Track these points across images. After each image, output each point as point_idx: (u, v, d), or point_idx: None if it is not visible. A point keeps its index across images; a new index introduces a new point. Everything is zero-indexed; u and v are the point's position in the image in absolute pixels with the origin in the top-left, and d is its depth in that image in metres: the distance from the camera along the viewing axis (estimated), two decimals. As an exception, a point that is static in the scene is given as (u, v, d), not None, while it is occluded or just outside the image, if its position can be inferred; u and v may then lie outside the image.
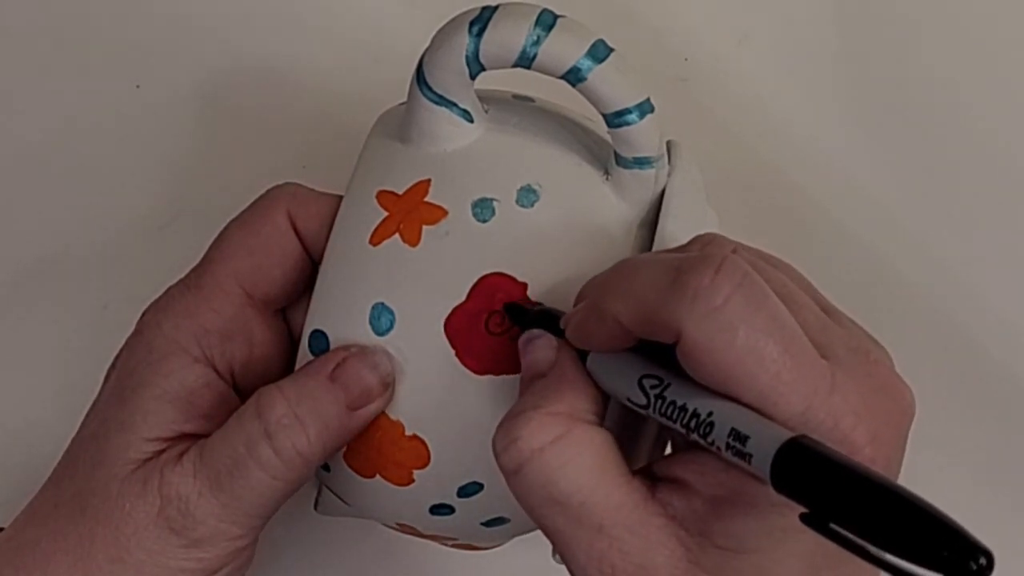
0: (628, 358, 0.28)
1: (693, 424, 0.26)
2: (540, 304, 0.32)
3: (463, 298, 0.32)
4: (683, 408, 0.26)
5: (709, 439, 0.25)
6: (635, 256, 0.29)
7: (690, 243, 0.30)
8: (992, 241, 0.49)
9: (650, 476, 0.29)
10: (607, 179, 0.34)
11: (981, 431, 0.46)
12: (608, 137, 0.34)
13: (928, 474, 0.44)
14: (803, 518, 0.23)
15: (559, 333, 0.30)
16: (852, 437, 0.25)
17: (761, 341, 0.25)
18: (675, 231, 0.33)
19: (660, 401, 0.27)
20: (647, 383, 0.27)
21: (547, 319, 0.31)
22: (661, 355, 0.28)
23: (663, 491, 0.28)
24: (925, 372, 0.28)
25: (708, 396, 0.26)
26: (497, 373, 0.33)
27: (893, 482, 0.22)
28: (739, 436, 0.25)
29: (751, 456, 0.24)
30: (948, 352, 0.47)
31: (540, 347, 0.31)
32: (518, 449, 0.27)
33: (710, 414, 0.25)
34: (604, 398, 0.30)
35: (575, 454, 0.27)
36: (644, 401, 0.27)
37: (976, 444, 0.46)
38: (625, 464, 0.28)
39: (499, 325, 0.32)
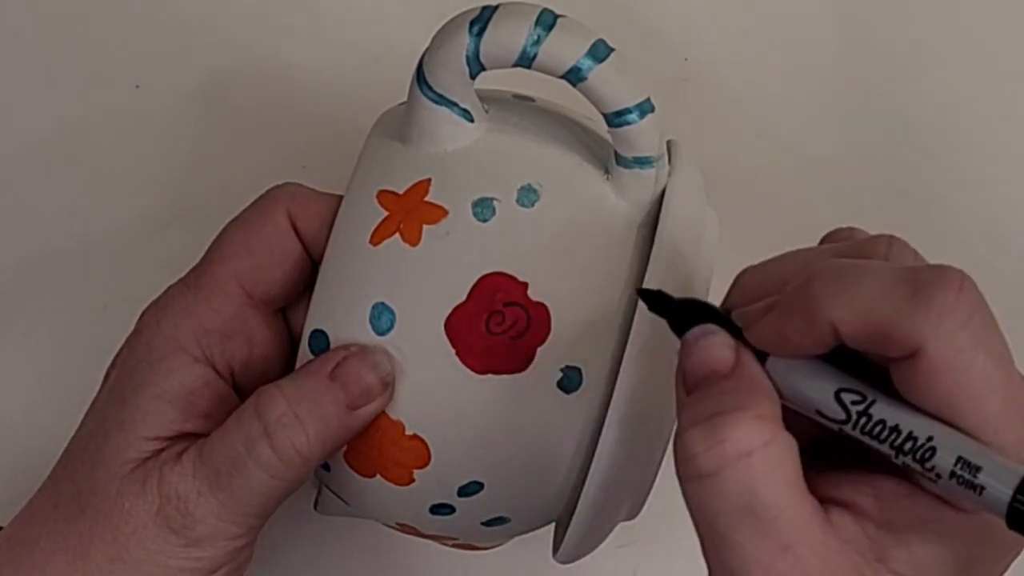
0: (821, 367, 0.27)
1: (908, 447, 0.25)
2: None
3: (463, 298, 0.32)
4: (895, 429, 0.25)
5: (927, 465, 0.25)
6: (846, 260, 0.27)
7: (836, 234, 0.29)
8: (995, 240, 0.49)
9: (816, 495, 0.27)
10: (607, 179, 0.34)
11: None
12: (608, 137, 0.34)
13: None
14: None
15: (731, 329, 0.29)
16: None
17: (994, 367, 0.25)
18: (675, 231, 0.33)
19: (864, 419, 0.26)
20: (846, 397, 0.26)
21: (697, 312, 0.29)
22: (850, 366, 0.27)
23: (833, 513, 0.27)
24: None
25: (922, 418, 0.25)
26: (498, 373, 0.33)
27: None
28: (969, 466, 0.24)
29: (983, 488, 0.24)
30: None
31: (717, 344, 0.28)
32: (724, 451, 0.25)
33: (930, 439, 0.25)
34: None
35: (780, 463, 0.25)
36: (843, 416, 0.26)
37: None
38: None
39: (500, 325, 0.32)
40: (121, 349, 0.36)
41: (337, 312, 0.33)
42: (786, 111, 0.50)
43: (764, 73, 0.50)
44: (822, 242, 0.31)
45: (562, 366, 0.33)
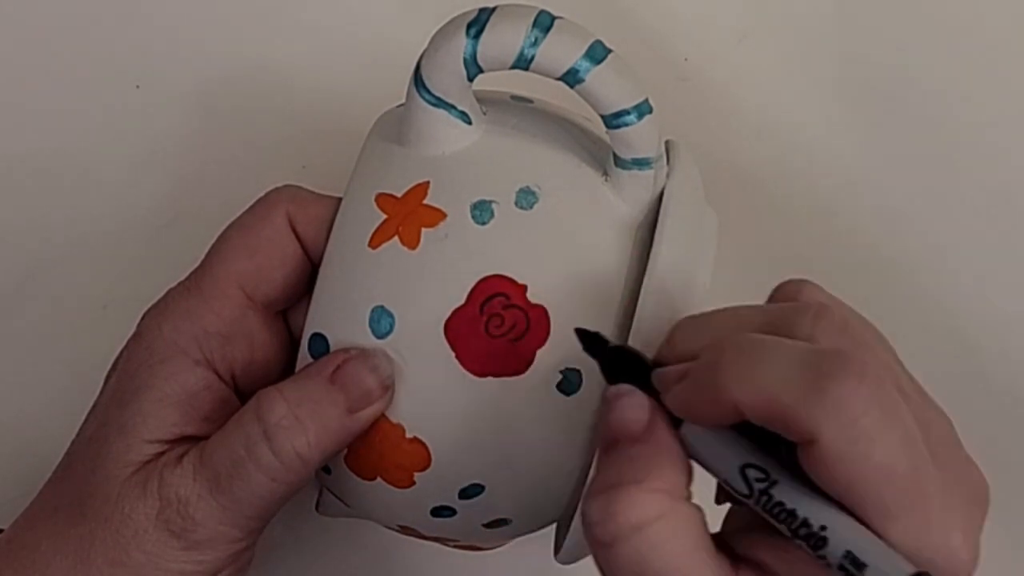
0: (732, 438, 0.27)
1: (803, 532, 0.25)
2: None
3: (462, 300, 0.32)
4: (792, 513, 0.26)
5: (819, 552, 0.25)
6: (758, 338, 0.27)
7: (778, 291, 0.29)
8: (994, 241, 0.49)
9: (731, 554, 0.28)
10: (606, 180, 0.34)
11: (986, 432, 0.46)
12: (607, 138, 0.34)
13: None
14: None
15: (643, 381, 0.29)
16: (959, 553, 0.25)
17: (895, 457, 0.25)
18: (674, 232, 0.33)
19: (766, 498, 0.26)
20: (751, 474, 0.26)
21: (627, 361, 0.29)
22: (762, 436, 0.27)
23: (745, 574, 0.27)
24: (927, 373, 0.28)
25: (820, 502, 0.25)
26: (497, 375, 0.33)
27: None
28: (856, 562, 0.24)
29: None
30: (952, 352, 0.47)
31: (631, 406, 0.28)
32: (616, 524, 0.26)
33: (823, 528, 0.25)
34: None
35: (672, 535, 0.26)
36: (746, 491, 0.27)
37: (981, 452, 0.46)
38: (712, 543, 0.27)
39: (499, 327, 0.32)
40: (122, 352, 0.36)
41: (336, 316, 0.33)
42: (786, 111, 0.50)
43: (764, 73, 0.50)
44: (770, 298, 0.31)
45: (561, 368, 0.33)
